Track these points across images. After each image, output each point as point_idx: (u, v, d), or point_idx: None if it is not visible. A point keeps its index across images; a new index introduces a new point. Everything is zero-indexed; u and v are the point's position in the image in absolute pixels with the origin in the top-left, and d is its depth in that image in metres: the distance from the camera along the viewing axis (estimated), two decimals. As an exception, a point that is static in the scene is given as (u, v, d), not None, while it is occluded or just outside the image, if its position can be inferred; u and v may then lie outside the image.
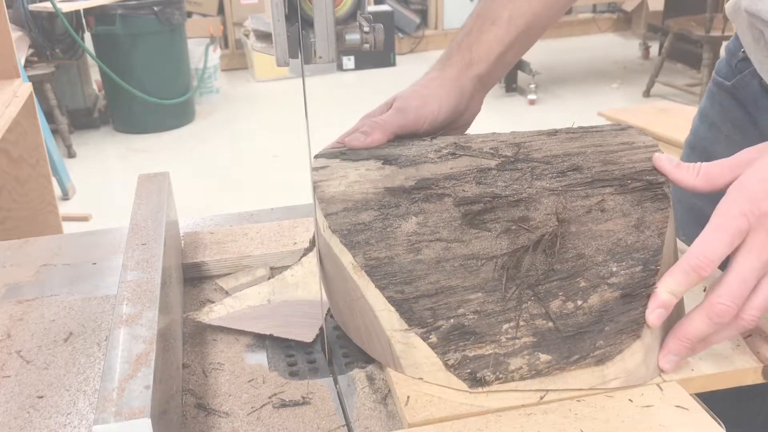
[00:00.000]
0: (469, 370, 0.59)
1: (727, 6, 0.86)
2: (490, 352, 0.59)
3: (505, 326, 0.59)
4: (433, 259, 0.60)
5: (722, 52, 0.92)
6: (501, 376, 0.59)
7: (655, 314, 0.59)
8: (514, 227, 0.61)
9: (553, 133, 0.72)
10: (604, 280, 0.59)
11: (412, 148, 0.72)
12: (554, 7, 0.84)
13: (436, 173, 0.66)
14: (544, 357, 0.59)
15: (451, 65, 0.82)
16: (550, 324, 0.59)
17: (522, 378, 0.59)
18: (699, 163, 0.64)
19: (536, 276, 0.59)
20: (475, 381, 0.59)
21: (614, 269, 0.59)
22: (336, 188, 0.66)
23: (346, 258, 0.61)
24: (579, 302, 0.59)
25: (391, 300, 0.59)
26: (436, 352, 0.59)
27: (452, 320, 0.59)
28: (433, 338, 0.59)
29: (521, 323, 0.59)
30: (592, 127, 0.72)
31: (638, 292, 0.59)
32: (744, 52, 0.85)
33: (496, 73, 0.83)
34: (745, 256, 0.58)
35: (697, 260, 0.58)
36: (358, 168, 0.69)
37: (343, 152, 0.72)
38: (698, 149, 0.94)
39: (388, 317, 0.60)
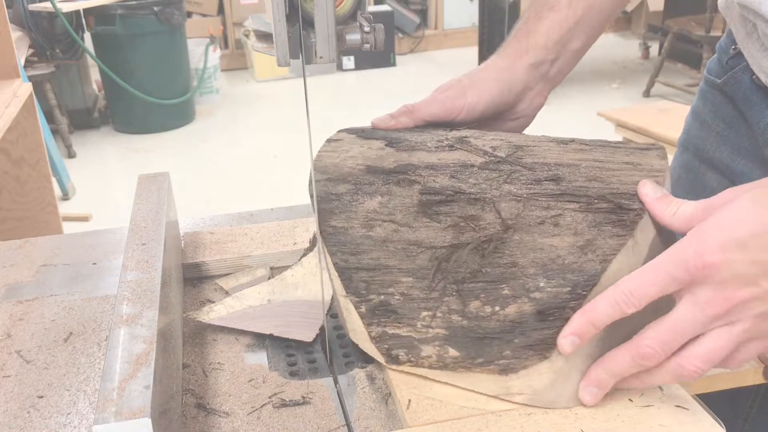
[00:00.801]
0: (387, 346, 0.63)
1: (720, 1, 0.86)
2: (406, 334, 0.62)
3: (424, 314, 0.61)
4: (381, 238, 0.63)
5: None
6: (413, 359, 0.62)
7: (567, 340, 0.56)
8: (462, 223, 0.61)
9: (567, 141, 0.69)
10: (528, 292, 0.58)
11: (421, 135, 0.72)
12: None
13: (423, 161, 0.67)
14: (452, 352, 0.60)
15: (505, 54, 0.79)
16: (464, 322, 0.60)
17: (431, 367, 0.62)
18: (680, 200, 0.59)
19: (464, 274, 0.60)
20: (390, 357, 0.63)
21: (541, 284, 0.58)
22: (331, 160, 0.69)
23: (317, 222, 0.66)
24: (497, 308, 0.59)
25: (336, 266, 0.64)
26: (363, 323, 0.64)
27: (382, 296, 0.63)
28: (363, 309, 0.63)
29: (438, 314, 0.60)
30: (615, 143, 0.68)
31: (555, 313, 0.57)
32: (735, 49, 0.85)
33: (559, 63, 0.79)
34: (689, 308, 0.54)
35: (624, 296, 0.54)
36: (363, 145, 0.71)
37: (363, 130, 0.74)
38: (691, 148, 0.94)
39: (336, 281, 0.65)
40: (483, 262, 0.60)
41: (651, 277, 0.54)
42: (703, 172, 0.91)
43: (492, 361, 0.59)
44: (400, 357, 0.62)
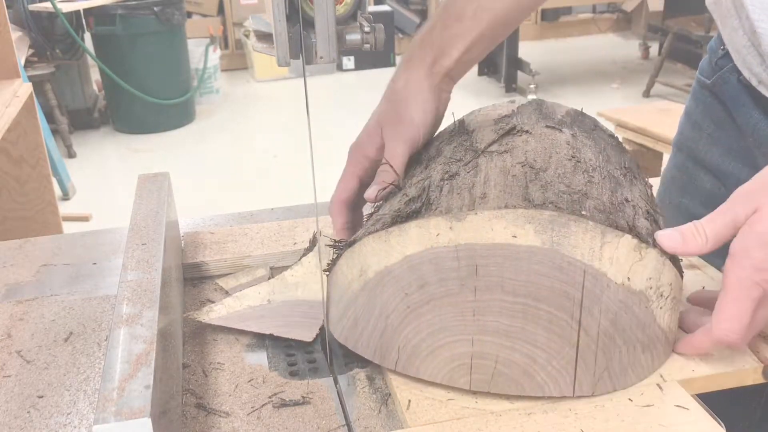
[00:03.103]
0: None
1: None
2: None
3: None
4: (416, 160, 0.77)
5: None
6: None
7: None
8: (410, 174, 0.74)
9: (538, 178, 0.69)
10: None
11: (526, 118, 0.77)
12: (522, 4, 0.82)
13: (476, 127, 0.76)
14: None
15: (416, 65, 0.81)
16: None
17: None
18: (700, 225, 0.62)
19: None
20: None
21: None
22: (475, 116, 0.82)
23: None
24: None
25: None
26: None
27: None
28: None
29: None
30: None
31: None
32: (723, 49, 0.85)
33: (461, 68, 0.82)
34: (759, 309, 0.61)
35: (729, 337, 0.60)
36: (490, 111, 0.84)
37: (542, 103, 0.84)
38: (684, 149, 0.95)
39: None
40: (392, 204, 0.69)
41: (741, 309, 0.60)
42: (695, 173, 0.92)
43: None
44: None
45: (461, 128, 0.79)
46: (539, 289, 0.57)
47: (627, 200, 0.65)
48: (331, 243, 0.71)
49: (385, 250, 0.62)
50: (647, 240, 0.60)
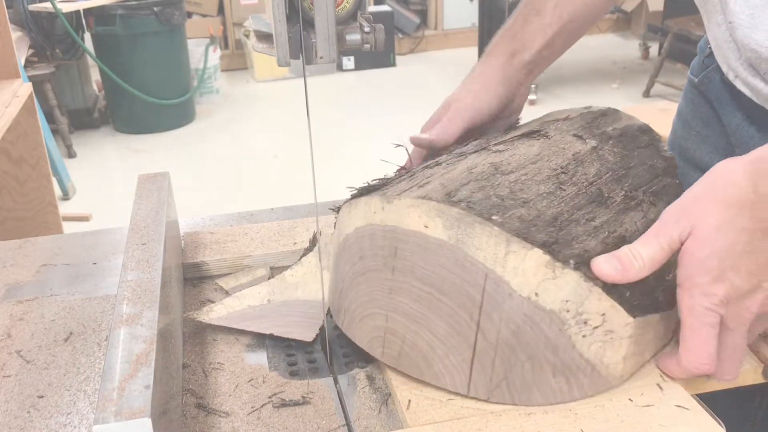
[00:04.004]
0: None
1: None
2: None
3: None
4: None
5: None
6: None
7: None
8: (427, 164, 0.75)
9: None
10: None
11: (547, 126, 0.79)
12: None
13: (492, 132, 0.82)
14: None
15: (494, 56, 0.83)
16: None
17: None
18: (635, 248, 0.59)
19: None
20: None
21: None
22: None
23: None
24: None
25: None
26: None
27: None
28: None
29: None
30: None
31: None
32: (710, 47, 0.85)
33: (542, 62, 0.83)
34: (727, 333, 0.60)
35: (699, 369, 0.59)
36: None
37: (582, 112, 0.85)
38: (676, 148, 0.96)
39: None
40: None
41: (703, 338, 0.58)
42: (686, 171, 0.92)
43: None
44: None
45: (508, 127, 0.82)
46: (443, 283, 0.59)
47: (591, 220, 0.62)
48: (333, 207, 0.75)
49: (347, 220, 0.67)
50: (568, 261, 0.57)
